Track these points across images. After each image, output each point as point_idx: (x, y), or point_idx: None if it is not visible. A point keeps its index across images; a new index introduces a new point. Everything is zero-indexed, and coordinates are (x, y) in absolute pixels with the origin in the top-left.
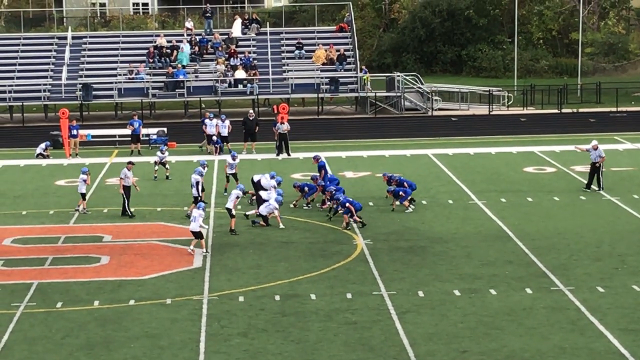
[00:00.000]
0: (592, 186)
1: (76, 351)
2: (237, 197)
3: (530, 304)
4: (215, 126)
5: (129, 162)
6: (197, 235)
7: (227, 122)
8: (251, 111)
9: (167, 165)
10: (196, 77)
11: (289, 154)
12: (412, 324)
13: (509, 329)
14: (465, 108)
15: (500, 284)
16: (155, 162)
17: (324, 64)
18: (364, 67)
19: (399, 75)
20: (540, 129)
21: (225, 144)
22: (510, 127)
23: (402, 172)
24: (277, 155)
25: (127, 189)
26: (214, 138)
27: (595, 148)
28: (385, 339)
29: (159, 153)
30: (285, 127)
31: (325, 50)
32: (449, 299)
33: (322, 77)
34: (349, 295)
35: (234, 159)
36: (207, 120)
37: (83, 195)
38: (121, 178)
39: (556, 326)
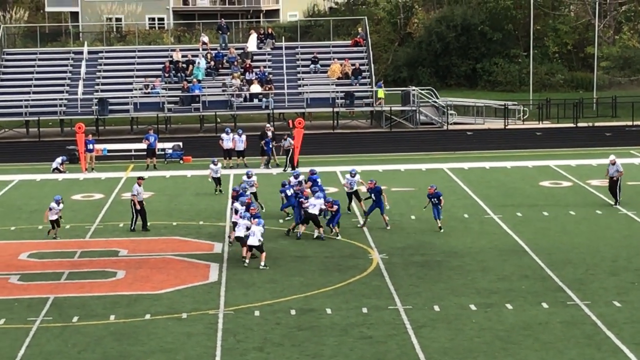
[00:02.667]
0: (608, 200)
1: None
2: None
3: (546, 318)
4: (232, 140)
5: (139, 178)
6: (259, 248)
7: (244, 137)
8: (268, 125)
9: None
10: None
11: (293, 168)
12: (428, 338)
13: (525, 344)
14: (481, 122)
15: (517, 299)
16: (212, 178)
17: (339, 78)
18: (380, 81)
19: (414, 90)
20: (556, 143)
21: (241, 158)
22: (526, 141)
23: (417, 186)
24: (285, 169)
25: (140, 203)
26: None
27: (613, 163)
28: (401, 353)
29: (212, 166)
30: (288, 144)
31: (341, 65)
32: (464, 313)
33: (337, 92)
34: (364, 310)
35: (249, 177)
36: (224, 135)
37: (52, 223)
38: (134, 195)
39: (572, 341)
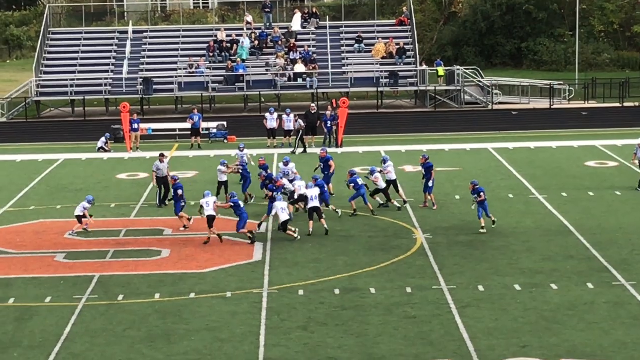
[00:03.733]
0: None
1: (137, 343)
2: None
3: (591, 298)
4: (277, 120)
5: (161, 154)
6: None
7: (292, 116)
8: (313, 105)
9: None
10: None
11: (337, 147)
12: (472, 318)
13: (570, 324)
14: (526, 102)
15: (561, 279)
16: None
17: (383, 57)
18: (438, 59)
19: (459, 69)
20: (601, 123)
21: (287, 137)
22: (572, 121)
23: (462, 166)
24: (294, 152)
25: (160, 180)
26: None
27: None
28: (445, 333)
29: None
30: (299, 125)
31: (385, 44)
32: (509, 293)
33: (381, 71)
34: (408, 290)
35: (286, 165)
36: (267, 115)
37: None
38: (153, 171)
39: (618, 321)
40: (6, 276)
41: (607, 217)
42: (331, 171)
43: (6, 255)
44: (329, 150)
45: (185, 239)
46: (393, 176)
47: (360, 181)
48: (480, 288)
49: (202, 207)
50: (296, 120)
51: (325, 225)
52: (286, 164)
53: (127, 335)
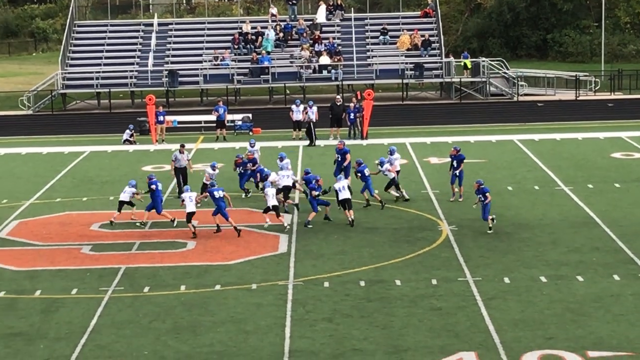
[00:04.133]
0: None
1: (163, 335)
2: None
3: (618, 290)
4: (303, 112)
5: (181, 145)
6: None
7: (315, 108)
8: (338, 97)
9: None
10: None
11: (362, 138)
12: (497, 310)
13: (596, 316)
14: (552, 93)
15: (587, 271)
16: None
17: (408, 49)
18: (464, 51)
19: (484, 61)
20: (627, 114)
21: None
22: (598, 113)
23: (487, 158)
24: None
25: (178, 170)
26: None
27: None
28: (471, 325)
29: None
30: (308, 118)
31: (410, 36)
32: (535, 285)
33: (406, 63)
34: (434, 281)
35: (282, 160)
36: (293, 107)
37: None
38: (172, 160)
39: None
40: (32, 268)
41: (633, 209)
42: (346, 163)
43: (32, 247)
44: (353, 142)
45: (210, 230)
46: (397, 168)
47: (367, 171)
48: (506, 280)
49: (183, 201)
50: (305, 113)
51: (352, 217)
52: (282, 159)
53: (153, 327)
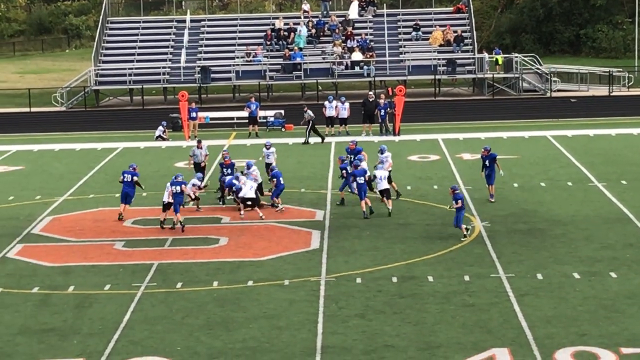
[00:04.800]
0: None
1: (196, 331)
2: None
3: None
4: (335, 108)
5: (198, 140)
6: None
7: (347, 105)
8: (370, 93)
9: None
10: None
11: (395, 134)
12: (530, 306)
13: (629, 312)
14: (585, 89)
15: (621, 267)
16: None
17: (441, 45)
18: (496, 47)
19: (517, 56)
20: None
21: (343, 126)
22: (631, 108)
23: (520, 154)
24: (305, 142)
25: (196, 165)
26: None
27: None
28: (504, 321)
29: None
30: (308, 116)
31: (443, 32)
32: (568, 281)
33: (439, 59)
34: (466, 278)
35: (268, 148)
36: (326, 103)
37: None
38: (190, 156)
39: None
40: (66, 264)
41: None
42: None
43: (66, 243)
44: (386, 138)
45: (242, 227)
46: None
47: (349, 169)
48: (539, 276)
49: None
50: (305, 111)
51: (390, 207)
52: (268, 147)
53: (186, 322)
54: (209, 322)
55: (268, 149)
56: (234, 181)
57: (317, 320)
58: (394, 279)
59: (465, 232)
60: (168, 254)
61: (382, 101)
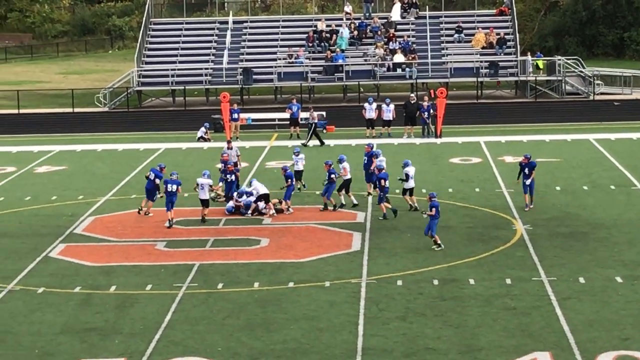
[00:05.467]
0: None
1: (237, 332)
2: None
3: None
4: (375, 110)
5: (228, 141)
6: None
7: (392, 106)
8: (412, 95)
9: None
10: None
11: (436, 137)
12: (572, 310)
13: None
14: (628, 92)
15: None
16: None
17: (483, 47)
18: (537, 51)
19: (559, 59)
20: None
21: (387, 127)
22: None
23: (562, 157)
24: (306, 144)
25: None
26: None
27: None
28: (545, 325)
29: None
30: (312, 119)
31: (485, 34)
32: (610, 285)
33: (481, 61)
34: (508, 281)
35: (297, 155)
36: (366, 105)
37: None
38: (222, 155)
39: None
40: (108, 264)
41: None
42: (373, 167)
43: (108, 243)
44: (427, 140)
45: (284, 228)
46: (348, 176)
47: (334, 176)
48: (581, 280)
49: (196, 186)
50: (310, 113)
51: (415, 204)
52: (297, 154)
53: (227, 323)
54: (250, 323)
55: (297, 155)
56: (246, 188)
57: (358, 322)
58: (435, 282)
59: (436, 243)
60: (209, 254)
61: (425, 103)
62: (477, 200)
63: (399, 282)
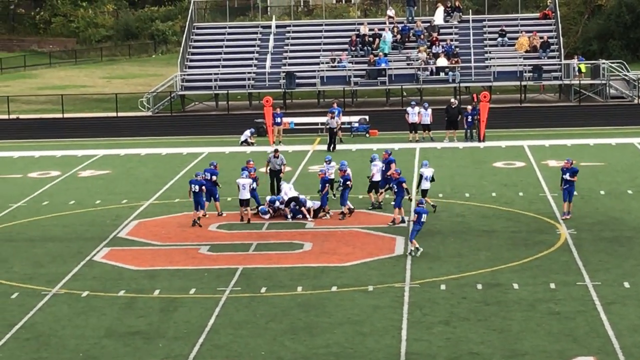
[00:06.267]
0: None
1: (280, 336)
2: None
3: None
4: (418, 114)
5: (275, 150)
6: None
7: (430, 111)
8: (453, 99)
9: None
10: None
11: (333, 149)
12: (617, 315)
13: None
14: None
15: None
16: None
17: (527, 51)
18: (579, 55)
19: (604, 63)
20: None
21: (427, 131)
22: None
23: (606, 161)
24: (328, 149)
25: (272, 172)
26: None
27: None
28: (590, 330)
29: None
30: (335, 122)
31: (529, 38)
32: None
33: (524, 65)
34: (552, 285)
35: (329, 163)
36: (409, 109)
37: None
38: (267, 162)
39: None
40: (151, 268)
41: None
42: (389, 173)
43: (151, 247)
44: (471, 145)
45: (327, 232)
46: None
47: (349, 183)
48: (626, 284)
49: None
50: (332, 117)
51: (431, 202)
52: (328, 162)
53: (270, 327)
54: (293, 327)
55: (328, 163)
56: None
57: (401, 327)
58: (479, 286)
59: (412, 248)
60: (252, 258)
61: (469, 107)
62: (521, 205)
63: (443, 287)
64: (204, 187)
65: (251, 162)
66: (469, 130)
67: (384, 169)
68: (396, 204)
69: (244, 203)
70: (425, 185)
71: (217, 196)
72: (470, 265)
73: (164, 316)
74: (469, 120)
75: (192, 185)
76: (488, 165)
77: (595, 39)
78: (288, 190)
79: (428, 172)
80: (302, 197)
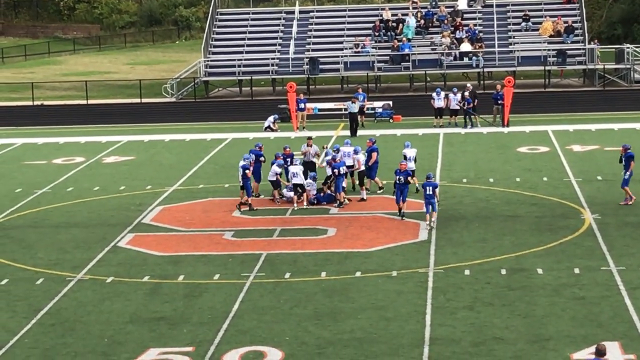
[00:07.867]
0: None
1: (304, 321)
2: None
3: None
4: (444, 99)
5: (309, 138)
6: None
7: (459, 96)
8: (469, 85)
9: None
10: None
11: (354, 135)
12: None
13: None
14: None
15: None
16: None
17: (551, 36)
18: (595, 41)
19: (628, 47)
20: None
21: (454, 117)
22: None
23: (631, 145)
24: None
25: (306, 164)
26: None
27: None
28: (615, 315)
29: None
30: (356, 107)
31: (553, 22)
32: None
33: (549, 50)
34: (576, 270)
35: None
36: (434, 94)
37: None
38: (302, 152)
39: None
40: (176, 253)
41: None
42: (370, 163)
43: (176, 232)
44: (495, 130)
45: (351, 217)
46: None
47: (342, 169)
48: None
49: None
50: (354, 102)
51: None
52: (337, 151)
53: (294, 312)
54: (317, 313)
55: (337, 152)
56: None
57: (425, 312)
58: (503, 271)
59: (428, 222)
60: (276, 244)
61: (466, 93)
62: (545, 190)
63: (467, 272)
64: (248, 172)
65: (288, 149)
66: (467, 117)
67: (366, 157)
68: (336, 188)
69: (297, 188)
70: (410, 165)
71: (259, 177)
72: (495, 250)
73: (189, 302)
74: (499, 102)
75: (243, 171)
76: (512, 151)
77: (619, 23)
78: (294, 175)
79: (411, 152)
80: (307, 181)
